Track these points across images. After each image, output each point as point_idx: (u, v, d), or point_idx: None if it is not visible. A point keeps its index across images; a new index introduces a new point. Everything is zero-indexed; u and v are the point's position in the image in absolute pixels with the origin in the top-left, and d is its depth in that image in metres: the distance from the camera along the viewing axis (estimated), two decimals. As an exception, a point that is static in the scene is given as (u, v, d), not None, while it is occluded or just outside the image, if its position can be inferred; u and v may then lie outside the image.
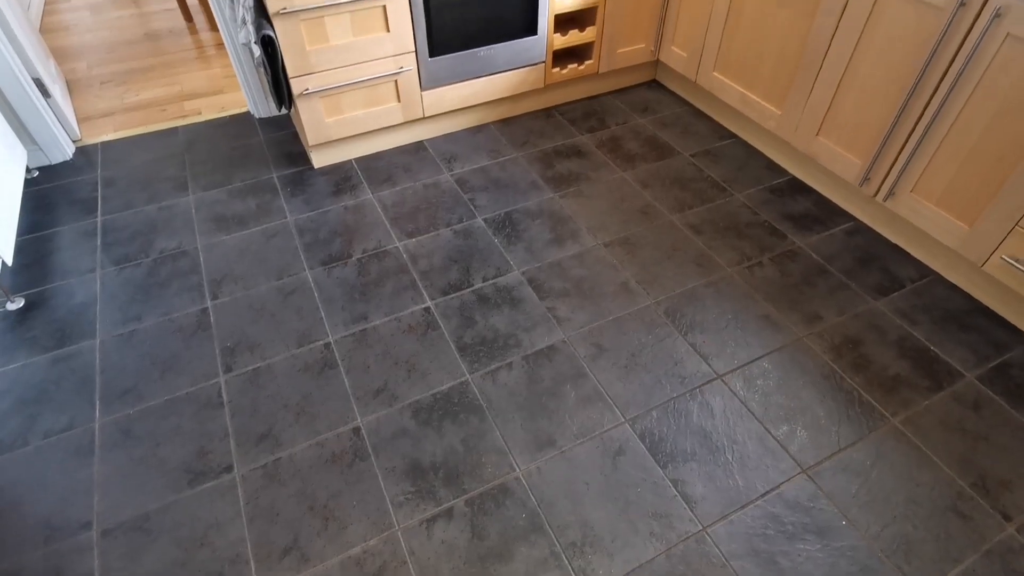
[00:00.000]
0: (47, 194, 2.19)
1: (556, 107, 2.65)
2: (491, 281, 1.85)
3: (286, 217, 2.08)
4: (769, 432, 1.47)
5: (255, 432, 1.48)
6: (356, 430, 1.48)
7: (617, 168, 2.29)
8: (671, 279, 1.86)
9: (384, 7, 1.99)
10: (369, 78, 2.11)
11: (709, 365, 1.61)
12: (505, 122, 2.56)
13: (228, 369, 1.61)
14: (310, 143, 2.19)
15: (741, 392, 1.55)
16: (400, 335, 1.70)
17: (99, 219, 2.08)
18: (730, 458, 1.42)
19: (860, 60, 1.82)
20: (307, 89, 2.04)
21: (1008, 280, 1.62)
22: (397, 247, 1.97)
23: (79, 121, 2.58)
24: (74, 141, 2.43)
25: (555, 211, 2.10)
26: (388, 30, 2.04)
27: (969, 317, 1.74)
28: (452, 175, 2.27)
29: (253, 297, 1.81)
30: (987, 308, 1.76)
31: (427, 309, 1.77)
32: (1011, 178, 1.54)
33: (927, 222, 1.78)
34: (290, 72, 1.98)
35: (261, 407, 1.53)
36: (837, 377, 1.58)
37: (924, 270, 1.88)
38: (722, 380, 1.58)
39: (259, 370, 1.61)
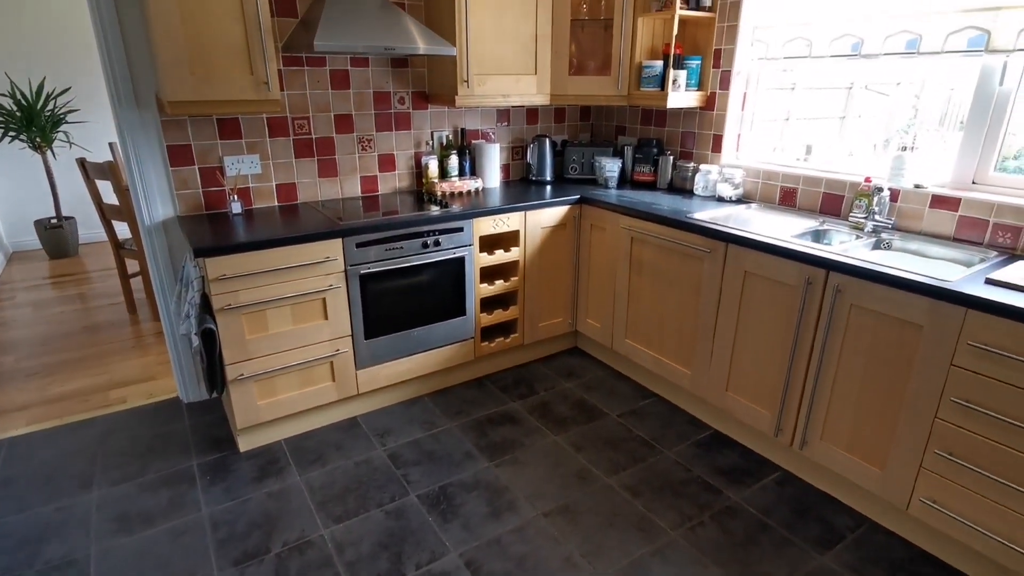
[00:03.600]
0: (-77, 502, 1.95)
1: (487, 376, 2.80)
2: (425, 568, 1.70)
3: (200, 510, 1.92)
4: None
5: None
6: None
7: (550, 432, 2.35)
8: (616, 549, 1.77)
9: (324, 299, 2.19)
10: (305, 361, 2.20)
11: (670, 651, 1.45)
12: (439, 393, 2.64)
13: None
14: (238, 426, 2.15)
15: None
16: (318, 648, 1.46)
17: (-22, 528, 1.84)
18: None
19: (745, 326, 2.10)
20: (242, 374, 2.08)
21: (934, 523, 1.66)
22: (322, 535, 1.82)
23: (-12, 417, 2.46)
24: (-25, 439, 2.28)
25: (491, 482, 2.06)
26: (326, 318, 2.21)
27: (915, 566, 1.71)
28: (385, 450, 2.24)
29: (145, 614, 1.55)
30: (928, 554, 1.75)
31: (352, 610, 1.56)
32: (901, 421, 1.69)
33: (843, 468, 1.86)
34: (227, 359, 2.05)
35: None
36: (807, 652, 1.45)
37: (858, 517, 1.89)
38: (687, 670, 1.41)
39: None
